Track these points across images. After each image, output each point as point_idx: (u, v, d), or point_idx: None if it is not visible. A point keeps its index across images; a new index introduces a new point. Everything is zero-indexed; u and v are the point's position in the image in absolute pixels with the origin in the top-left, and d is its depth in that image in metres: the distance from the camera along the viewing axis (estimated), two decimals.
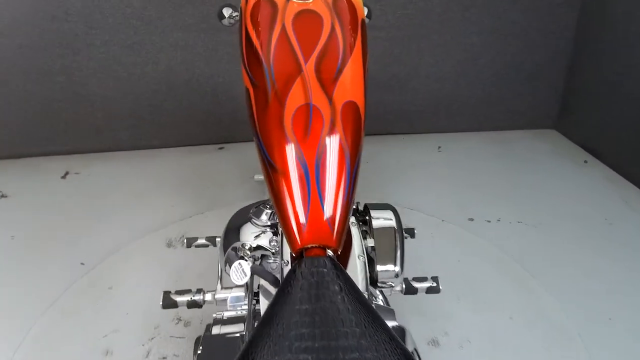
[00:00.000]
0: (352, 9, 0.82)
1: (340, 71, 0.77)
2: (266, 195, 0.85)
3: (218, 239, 1.08)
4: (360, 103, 0.77)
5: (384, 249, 0.85)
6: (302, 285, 0.62)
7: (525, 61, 2.41)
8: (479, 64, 2.39)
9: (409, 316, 1.39)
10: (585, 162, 2.26)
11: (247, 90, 0.79)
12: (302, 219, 0.69)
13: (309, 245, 0.69)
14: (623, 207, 1.94)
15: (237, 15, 1.08)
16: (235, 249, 0.86)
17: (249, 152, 2.41)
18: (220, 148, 2.41)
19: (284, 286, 0.63)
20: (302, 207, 0.69)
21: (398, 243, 0.85)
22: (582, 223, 1.85)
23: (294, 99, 0.74)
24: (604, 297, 1.49)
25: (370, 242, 0.84)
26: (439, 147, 2.42)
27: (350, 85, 0.77)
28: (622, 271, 1.60)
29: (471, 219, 1.88)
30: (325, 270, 0.63)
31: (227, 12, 1.08)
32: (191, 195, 1.99)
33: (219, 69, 2.24)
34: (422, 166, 2.24)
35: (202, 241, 1.12)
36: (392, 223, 0.88)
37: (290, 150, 0.71)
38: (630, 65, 2.05)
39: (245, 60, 0.80)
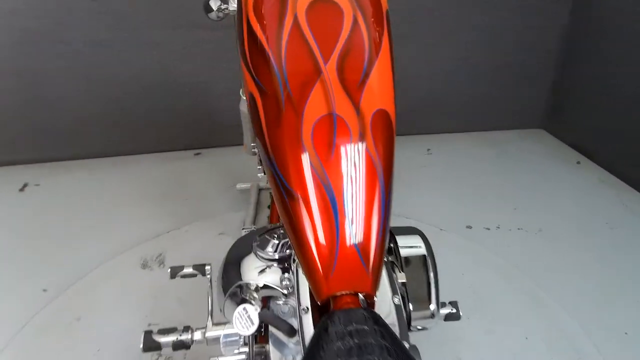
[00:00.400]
0: None
1: (367, 73, 0.63)
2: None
3: (207, 267, 0.92)
4: (392, 111, 0.64)
5: (416, 284, 0.71)
6: (339, 349, 0.48)
7: (515, 60, 2.33)
8: (469, 64, 2.29)
9: (416, 339, 1.26)
10: (578, 162, 2.20)
11: (253, 97, 0.64)
12: (330, 259, 0.55)
13: (339, 293, 0.55)
14: (622, 210, 1.88)
15: (226, 8, 0.93)
16: (237, 290, 0.71)
17: (229, 157, 2.27)
18: (197, 154, 2.23)
19: (314, 350, 0.49)
20: (329, 244, 0.55)
21: (432, 276, 0.72)
22: (583, 228, 1.77)
23: (314, 109, 0.60)
24: (617, 309, 1.41)
25: (401, 277, 0.71)
26: (428, 150, 2.31)
27: (379, 89, 0.63)
28: (630, 280, 1.53)
29: (469, 227, 1.77)
30: (366, 328, 0.49)
31: (215, 4, 0.93)
32: (167, 208, 1.81)
33: (197, 68, 2.06)
34: (413, 170, 2.13)
35: (188, 270, 0.96)
36: (423, 251, 0.75)
37: (312, 173, 0.57)
38: (621, 65, 2.00)
39: (249, 60, 0.65)
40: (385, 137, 0.61)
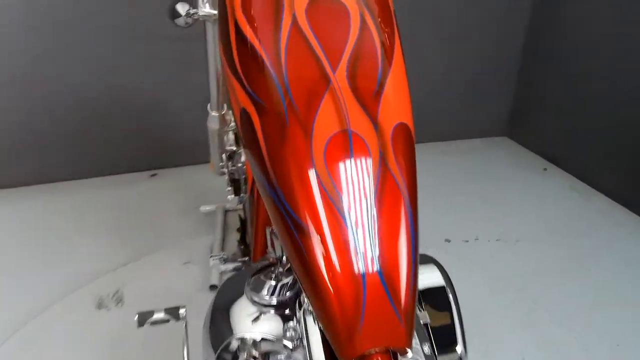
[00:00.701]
0: None
1: (382, 82, 0.53)
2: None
3: (182, 311, 0.79)
4: (411, 124, 0.54)
5: (440, 323, 0.62)
6: None
7: (477, 69, 2.33)
8: (431, 74, 2.26)
9: None
10: (545, 169, 2.21)
11: (246, 113, 0.53)
12: (356, 308, 0.45)
13: (368, 352, 0.44)
14: (595, 216, 1.87)
15: (195, 13, 0.82)
16: (232, 345, 0.59)
17: (188, 177, 2.11)
18: (153, 175, 2.06)
19: None
20: (353, 288, 0.45)
21: (456, 313, 0.63)
22: (561, 236, 1.75)
23: (325, 124, 0.49)
24: (605, 320, 1.38)
25: (423, 317, 0.61)
26: None
27: (396, 100, 0.53)
28: (614, 287, 1.51)
29: (448, 240, 1.71)
30: None
31: (182, 8, 0.81)
32: (123, 237, 1.64)
33: (149, 82, 1.91)
34: None
35: (159, 316, 0.82)
36: (441, 282, 0.66)
37: (327, 201, 0.47)
38: (581, 72, 2.02)
39: (240, 69, 0.54)
40: (408, 155, 0.52)
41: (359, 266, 0.45)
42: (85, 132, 1.93)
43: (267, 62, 0.51)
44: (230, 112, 1.12)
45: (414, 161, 0.53)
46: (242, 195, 1.35)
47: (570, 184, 2.10)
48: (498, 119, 2.50)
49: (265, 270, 0.65)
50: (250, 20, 0.54)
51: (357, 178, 0.48)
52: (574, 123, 2.09)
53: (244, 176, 1.28)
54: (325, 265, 0.46)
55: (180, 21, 0.81)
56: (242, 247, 1.47)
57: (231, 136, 1.27)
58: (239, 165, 1.29)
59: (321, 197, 0.47)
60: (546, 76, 2.22)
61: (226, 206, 1.75)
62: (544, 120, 2.28)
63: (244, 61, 0.53)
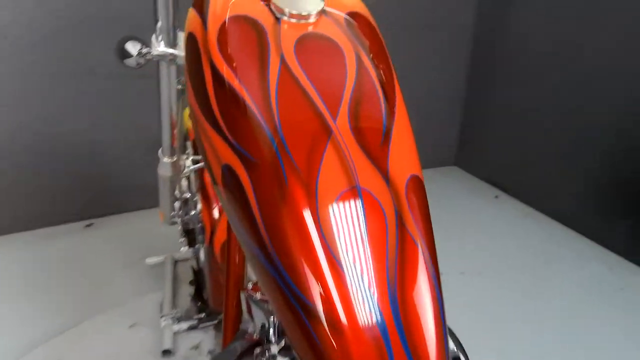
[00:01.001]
0: (372, 29, 0.53)
1: (388, 129, 0.46)
2: None
3: None
4: (422, 176, 0.48)
5: None
6: None
7: (423, 101, 2.36)
8: None
9: None
10: (496, 197, 2.24)
11: (230, 170, 0.44)
12: None
13: None
14: (551, 244, 1.89)
15: (148, 52, 0.73)
16: None
17: (130, 225, 1.92)
18: (89, 225, 1.87)
19: None
20: None
21: None
22: (522, 266, 1.74)
23: (330, 182, 0.42)
24: (582, 350, 1.37)
25: None
26: None
27: (405, 149, 0.47)
28: (574, 314, 1.52)
29: None
30: None
31: (134, 47, 0.72)
32: (57, 299, 1.45)
33: (82, 123, 1.75)
34: None
35: None
36: (454, 352, 0.58)
37: (342, 279, 0.39)
38: (524, 100, 2.10)
39: (220, 119, 0.45)
40: (424, 211, 0.45)
41: (386, 354, 0.37)
42: (12, 181, 1.73)
43: (256, 110, 0.43)
44: (184, 157, 1.01)
45: (430, 218, 0.46)
46: (197, 245, 1.23)
47: (524, 210, 2.13)
48: (447, 149, 2.55)
49: (253, 348, 0.55)
50: (230, 62, 0.46)
51: (373, 246, 0.40)
52: (521, 150, 2.15)
53: (199, 225, 1.17)
54: (344, 356, 0.37)
55: (131, 62, 0.71)
56: (198, 302, 1.33)
57: (184, 183, 1.16)
58: (193, 213, 1.18)
59: (335, 273, 0.39)
60: (491, 105, 2.29)
61: (175, 256, 1.61)
62: (492, 148, 2.33)
63: (226, 109, 0.45)
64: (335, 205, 0.41)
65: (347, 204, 0.41)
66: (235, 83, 0.45)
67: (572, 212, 1.95)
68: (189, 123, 1.17)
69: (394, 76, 0.51)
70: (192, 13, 0.52)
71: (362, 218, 0.41)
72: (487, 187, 2.35)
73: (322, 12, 0.50)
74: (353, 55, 0.49)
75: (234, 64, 0.45)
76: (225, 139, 0.44)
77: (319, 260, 0.39)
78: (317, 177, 0.42)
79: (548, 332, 1.43)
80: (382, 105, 0.47)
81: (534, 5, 1.99)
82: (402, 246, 0.41)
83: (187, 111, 1.00)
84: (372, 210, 0.42)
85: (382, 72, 0.49)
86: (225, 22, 0.48)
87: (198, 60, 0.48)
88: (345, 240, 0.40)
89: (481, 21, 2.25)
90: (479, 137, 2.40)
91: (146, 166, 1.89)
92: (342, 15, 0.52)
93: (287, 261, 0.39)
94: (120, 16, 1.62)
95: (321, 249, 0.39)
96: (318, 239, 0.39)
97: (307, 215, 0.40)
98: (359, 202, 0.42)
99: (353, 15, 0.53)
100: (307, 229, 0.40)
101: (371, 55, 0.50)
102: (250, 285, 0.72)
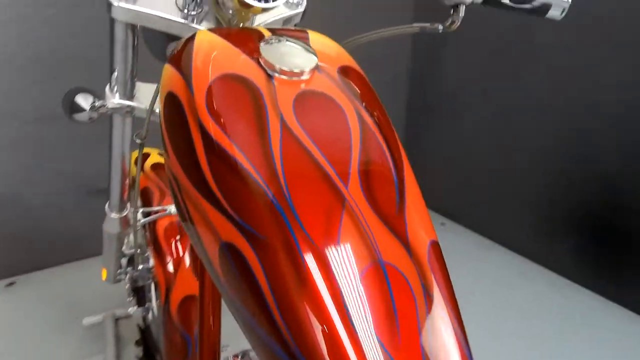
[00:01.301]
0: (365, 84, 0.51)
1: (401, 192, 0.44)
2: None
3: None
4: (437, 239, 0.45)
5: None
6: None
7: None
8: None
9: None
10: (443, 224, 2.27)
11: (234, 250, 0.38)
12: None
13: None
14: (507, 274, 1.90)
15: (102, 105, 0.66)
16: None
17: (59, 281, 1.73)
18: (10, 284, 1.67)
19: None
20: None
21: None
22: (487, 297, 1.74)
23: (351, 259, 0.38)
24: None
25: None
26: None
27: (420, 213, 0.44)
28: (530, 343, 1.56)
29: None
30: None
31: (85, 100, 0.65)
32: None
33: (8, 170, 1.58)
34: None
35: None
36: None
37: None
38: (465, 127, 2.15)
39: (217, 191, 0.40)
40: (446, 277, 0.43)
41: None
42: None
43: (260, 180, 0.39)
44: (132, 210, 0.92)
45: (451, 282, 0.43)
46: (147, 304, 1.12)
47: (473, 239, 2.16)
48: None
49: None
50: (224, 127, 0.41)
51: (405, 324, 0.37)
52: (464, 178, 2.20)
53: (149, 282, 1.07)
54: None
55: (82, 117, 0.64)
56: None
57: (131, 238, 1.06)
58: (141, 268, 1.07)
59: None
60: (431, 131, 2.34)
61: (116, 314, 1.46)
62: (436, 176, 2.35)
63: (224, 180, 0.40)
64: (360, 285, 0.37)
65: (371, 283, 0.37)
66: (233, 150, 0.40)
67: (520, 239, 2.00)
68: (134, 170, 1.08)
69: (395, 132, 0.48)
70: (170, 70, 0.47)
71: (389, 295, 0.38)
72: (433, 214, 2.39)
73: (315, 68, 0.47)
74: (354, 113, 0.46)
75: (229, 129, 0.41)
76: (225, 212, 0.39)
77: (341, 344, 0.35)
78: (336, 254, 0.37)
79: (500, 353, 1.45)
80: (393, 168, 0.45)
81: (464, 54, 2.09)
82: (433, 324, 0.38)
83: (134, 154, 0.90)
84: (398, 286, 0.38)
85: (385, 130, 0.47)
86: (214, 81, 0.43)
87: (183, 124, 0.43)
88: (377, 327, 0.36)
89: (416, 64, 2.33)
90: (422, 165, 2.42)
91: (73, 215, 1.73)
92: (333, 69, 0.49)
93: (303, 347, 0.35)
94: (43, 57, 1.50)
95: (346, 331, 0.35)
96: (345, 327, 0.35)
97: (330, 300, 0.36)
98: (384, 280, 0.38)
99: (345, 69, 0.50)
100: (328, 311, 0.35)
101: (370, 111, 0.47)
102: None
